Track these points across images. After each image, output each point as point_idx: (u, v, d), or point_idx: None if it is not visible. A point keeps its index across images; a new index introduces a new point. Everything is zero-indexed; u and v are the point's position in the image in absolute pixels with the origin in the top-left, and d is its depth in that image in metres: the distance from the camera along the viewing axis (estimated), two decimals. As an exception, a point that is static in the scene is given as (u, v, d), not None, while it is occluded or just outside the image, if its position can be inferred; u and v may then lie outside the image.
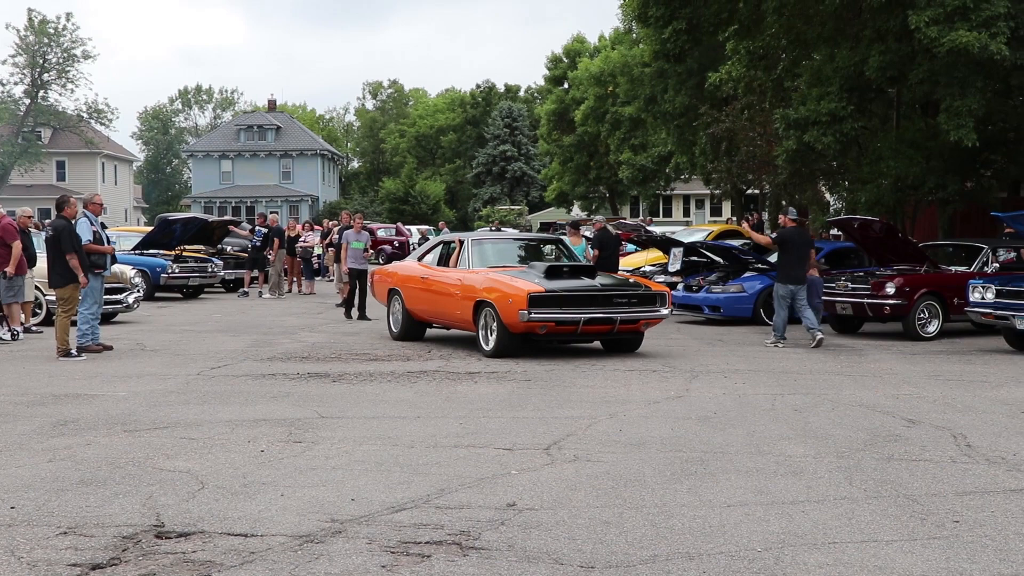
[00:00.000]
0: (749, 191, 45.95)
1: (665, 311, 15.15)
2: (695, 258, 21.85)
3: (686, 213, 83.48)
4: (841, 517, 6.46)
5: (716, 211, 76.95)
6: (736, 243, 23.11)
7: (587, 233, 23.60)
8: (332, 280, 29.22)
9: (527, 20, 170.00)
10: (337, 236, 25.63)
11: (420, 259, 17.71)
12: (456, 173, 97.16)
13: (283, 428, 9.33)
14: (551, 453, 8.29)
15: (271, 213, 32.88)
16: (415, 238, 53.02)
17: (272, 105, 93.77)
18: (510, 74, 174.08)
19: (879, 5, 20.20)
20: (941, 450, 8.46)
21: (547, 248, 17.60)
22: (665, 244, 23.14)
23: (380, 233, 51.53)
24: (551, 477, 7.47)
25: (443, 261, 16.89)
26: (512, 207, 79.94)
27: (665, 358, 14.72)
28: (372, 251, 23.89)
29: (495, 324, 14.61)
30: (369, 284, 18.67)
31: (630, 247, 28.08)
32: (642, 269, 24.07)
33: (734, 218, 42.28)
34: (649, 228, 32.88)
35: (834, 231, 29.58)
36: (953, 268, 18.98)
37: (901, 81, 23.18)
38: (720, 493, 7.05)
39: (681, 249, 21.94)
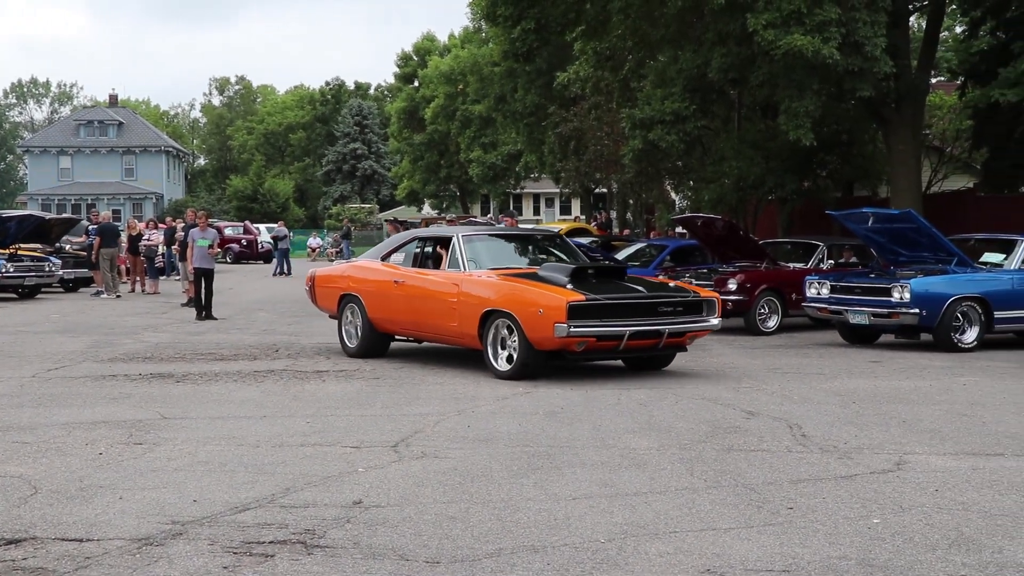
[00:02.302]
0: (597, 190, 46.70)
1: (715, 321, 12.87)
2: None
3: (536, 211, 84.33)
4: (682, 507, 6.61)
5: (566, 209, 77.91)
6: (584, 240, 23.41)
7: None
8: (179, 279, 28.52)
9: (376, 18, 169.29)
10: (183, 234, 25.04)
11: (384, 258, 14.85)
12: (306, 171, 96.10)
13: (123, 430, 9.07)
14: (399, 450, 8.26)
15: (107, 211, 31.89)
16: (264, 236, 52.21)
17: (114, 100, 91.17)
18: (360, 72, 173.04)
19: (720, 8, 20.74)
20: (778, 440, 8.73)
21: (547, 245, 14.81)
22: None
23: (228, 231, 50.59)
24: (398, 474, 7.46)
25: (419, 262, 14.44)
26: (363, 205, 79.46)
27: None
28: (219, 249, 23.33)
29: (514, 339, 12.18)
30: (309, 289, 15.81)
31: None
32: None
33: (583, 216, 42.87)
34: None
35: (679, 229, 30.26)
36: (791, 265, 19.64)
37: (742, 83, 23.85)
38: (566, 486, 7.13)
39: (530, 247, 22.06)
